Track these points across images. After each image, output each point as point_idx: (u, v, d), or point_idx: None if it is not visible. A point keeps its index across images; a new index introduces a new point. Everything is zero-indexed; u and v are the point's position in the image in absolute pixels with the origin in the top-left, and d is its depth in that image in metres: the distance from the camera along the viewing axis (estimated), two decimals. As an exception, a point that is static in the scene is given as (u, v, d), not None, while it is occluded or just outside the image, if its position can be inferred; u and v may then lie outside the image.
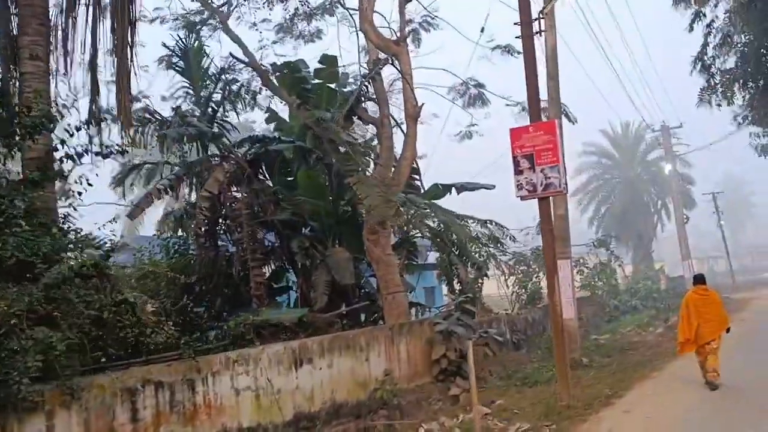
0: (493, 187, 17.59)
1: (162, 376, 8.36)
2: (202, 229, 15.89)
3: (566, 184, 10.80)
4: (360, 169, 15.47)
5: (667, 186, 38.38)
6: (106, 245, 8.47)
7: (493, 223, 16.41)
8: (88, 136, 8.74)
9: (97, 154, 8.19)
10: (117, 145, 8.32)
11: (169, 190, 15.22)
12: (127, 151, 9.06)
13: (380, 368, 12.72)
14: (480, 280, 20.17)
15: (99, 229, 8.91)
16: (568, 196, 17.59)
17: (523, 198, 11.10)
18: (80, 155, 7.98)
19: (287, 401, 10.35)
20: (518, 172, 10.97)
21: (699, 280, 12.47)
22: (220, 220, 16.64)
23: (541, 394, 11.99)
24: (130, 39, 8.39)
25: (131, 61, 8.44)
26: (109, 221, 9.13)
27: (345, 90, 17.26)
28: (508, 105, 16.61)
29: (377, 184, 13.54)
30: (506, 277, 20.88)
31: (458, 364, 14.43)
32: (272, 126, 19.23)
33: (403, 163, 15.65)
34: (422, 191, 17.59)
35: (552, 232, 10.95)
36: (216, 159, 16.24)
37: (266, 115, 19.09)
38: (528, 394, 12.40)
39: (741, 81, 18.87)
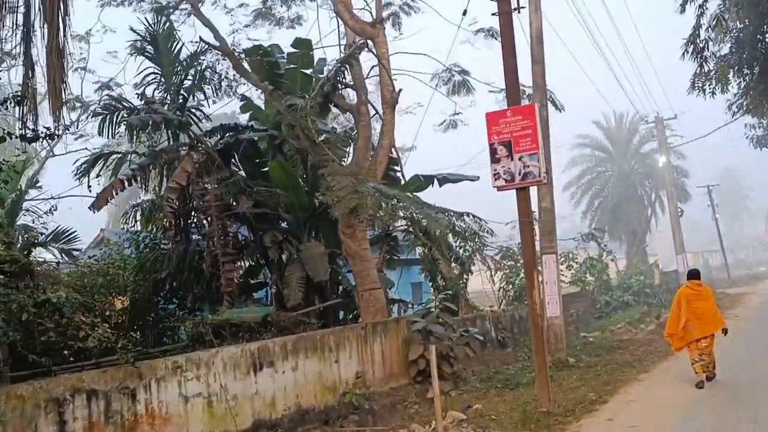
0: (477, 178, 16.80)
1: (96, 384, 7.55)
2: (171, 222, 15.17)
3: (546, 173, 10.02)
4: (335, 159, 14.64)
5: (662, 179, 37.57)
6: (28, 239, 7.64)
7: (470, 216, 15.59)
8: (19, 118, 7.89)
9: (22, 138, 7.36)
10: (45, 128, 7.51)
11: (132, 181, 14.41)
12: (59, 135, 8.25)
13: (352, 370, 11.96)
14: (465, 276, 19.43)
15: (33, 221, 8.06)
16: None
17: (500, 188, 10.31)
18: (2, 139, 7.15)
19: (245, 408, 9.57)
20: (495, 160, 10.18)
21: (693, 275, 12.07)
22: (193, 213, 15.94)
23: (522, 398, 11.23)
24: (62, 8, 7.52)
25: (64, 33, 7.58)
26: (46, 212, 8.28)
27: (321, 76, 16.41)
28: (491, 92, 15.78)
29: (349, 174, 12.73)
30: (492, 273, 20.09)
31: (438, 365, 13.70)
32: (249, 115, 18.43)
33: (380, 153, 14.86)
34: (402, 182, 16.83)
35: (531, 225, 10.17)
36: (184, 148, 15.46)
37: (242, 103, 18.33)
38: (508, 398, 11.65)
39: (736, 67, 18.07)
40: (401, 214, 13.03)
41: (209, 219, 15.10)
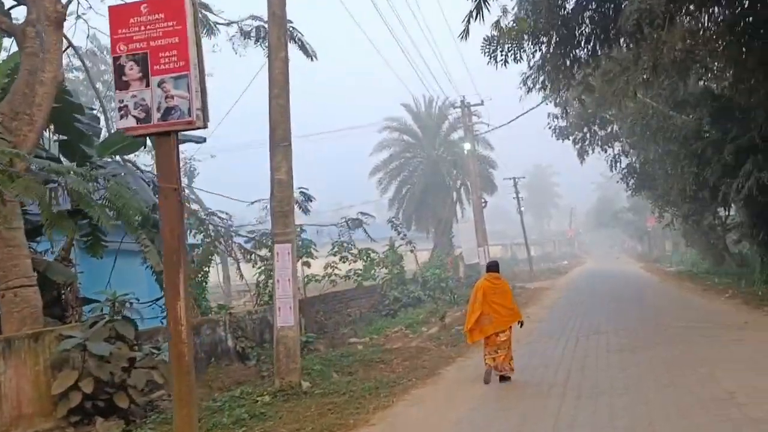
0: (203, 140, 12.81)
1: None
2: None
3: (204, 111, 6.12)
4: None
5: (468, 168, 35.67)
6: None
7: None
8: None
9: None
10: None
11: None
12: None
13: None
14: (204, 268, 15.43)
15: None
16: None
17: (128, 131, 6.37)
18: None
19: None
20: (122, 85, 6.19)
21: (492, 267, 11.61)
22: None
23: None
24: None
25: None
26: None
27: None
28: (221, 24, 11.71)
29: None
30: (238, 264, 16.18)
31: (108, 397, 9.57)
32: None
33: (39, 91, 10.29)
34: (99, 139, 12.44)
35: (176, 193, 6.28)
36: None
37: None
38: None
39: (530, 33, 15.50)
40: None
41: None
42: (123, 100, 6.15)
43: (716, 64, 19.28)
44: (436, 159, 39.95)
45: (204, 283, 15.25)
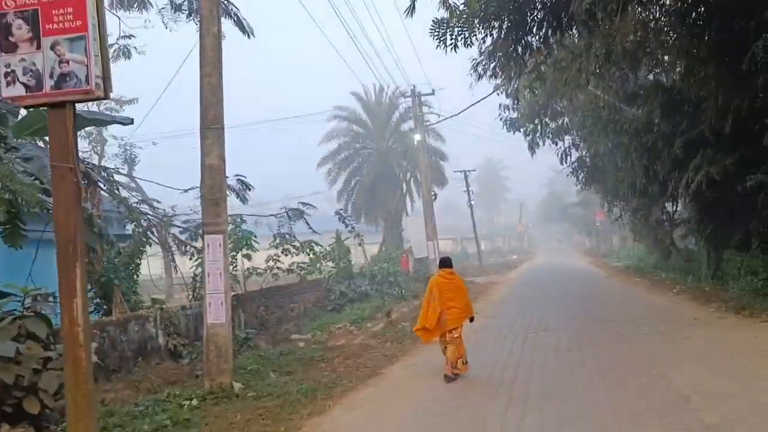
0: (131, 121, 11.86)
1: None
2: None
3: (105, 80, 5.32)
4: None
5: (418, 160, 35.17)
6: None
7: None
8: None
9: None
10: None
11: None
12: None
13: None
14: (136, 260, 14.48)
15: None
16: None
17: (14, 101, 5.53)
18: None
19: None
20: (9, 48, 5.36)
21: (445, 263, 11.21)
22: None
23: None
24: None
25: None
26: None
27: None
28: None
29: None
30: (172, 256, 15.25)
31: (16, 401, 8.66)
32: None
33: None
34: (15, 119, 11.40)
35: (74, 173, 5.45)
36: None
37: None
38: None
39: (481, 16, 14.96)
40: None
41: None
42: (10, 65, 5.31)
43: (667, 56, 19.14)
44: (386, 150, 39.36)
45: (135, 276, 14.30)
